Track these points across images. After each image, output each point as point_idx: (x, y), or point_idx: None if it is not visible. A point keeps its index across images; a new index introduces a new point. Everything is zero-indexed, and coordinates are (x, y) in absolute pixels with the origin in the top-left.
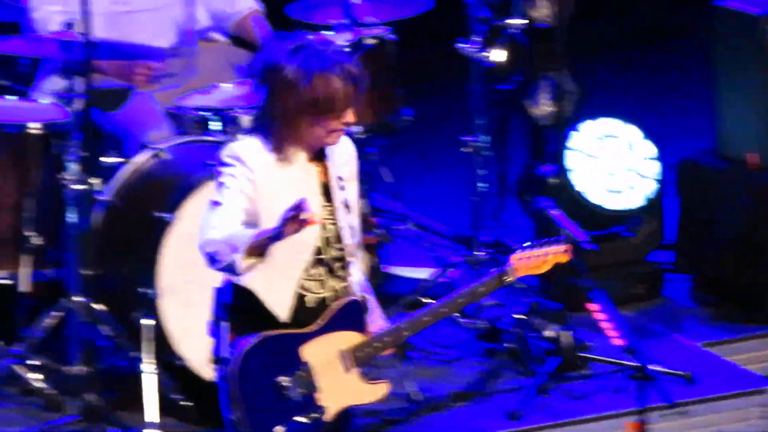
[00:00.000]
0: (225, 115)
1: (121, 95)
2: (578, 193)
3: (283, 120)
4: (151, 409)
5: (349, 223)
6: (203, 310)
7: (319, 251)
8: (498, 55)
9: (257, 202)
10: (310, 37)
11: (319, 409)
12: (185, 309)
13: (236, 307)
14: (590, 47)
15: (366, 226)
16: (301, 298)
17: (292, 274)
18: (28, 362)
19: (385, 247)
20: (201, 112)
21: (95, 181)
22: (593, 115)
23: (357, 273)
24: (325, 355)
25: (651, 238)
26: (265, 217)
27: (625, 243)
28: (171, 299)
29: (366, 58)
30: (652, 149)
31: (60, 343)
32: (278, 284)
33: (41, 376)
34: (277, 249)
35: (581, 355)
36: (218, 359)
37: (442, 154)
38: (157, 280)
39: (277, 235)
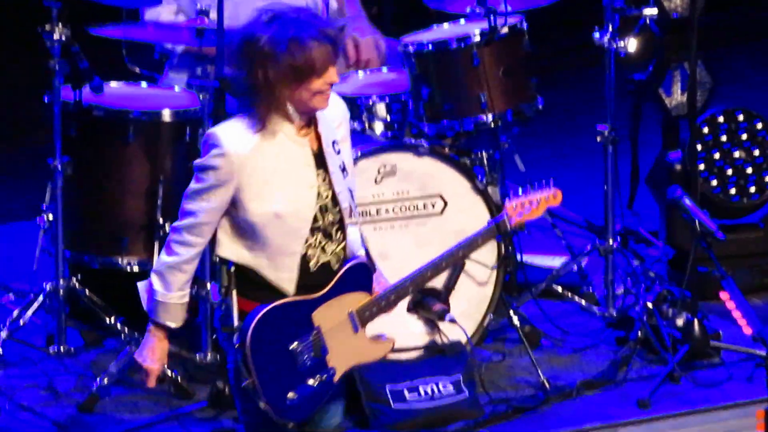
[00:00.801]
0: (360, 103)
1: None
2: (709, 182)
3: (266, 90)
4: None
5: (347, 185)
6: None
7: (315, 219)
8: (631, 44)
9: (239, 191)
10: (283, 7)
11: (330, 371)
12: None
13: (243, 278)
14: (723, 37)
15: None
16: (304, 267)
17: (293, 249)
18: None
19: (518, 236)
20: None
21: None
22: (725, 105)
23: (355, 232)
24: (335, 318)
25: None
26: (258, 197)
27: (755, 233)
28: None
29: (499, 47)
30: None
31: (190, 330)
32: (281, 261)
33: (170, 363)
34: (275, 229)
35: (712, 343)
36: (228, 328)
37: (575, 143)
38: None
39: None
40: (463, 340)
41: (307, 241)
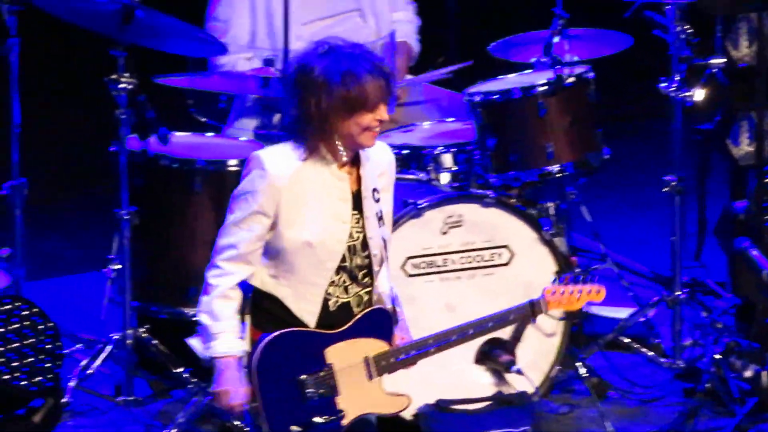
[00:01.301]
0: (426, 153)
1: None
2: None
3: (316, 119)
4: None
5: (381, 234)
6: None
7: (343, 258)
8: (698, 94)
9: (278, 217)
10: (339, 41)
11: (338, 413)
12: None
13: (259, 306)
14: None
15: (566, 265)
16: (325, 303)
17: (318, 282)
18: None
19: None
20: (403, 151)
21: None
22: None
23: (384, 282)
24: (349, 360)
25: None
26: (292, 223)
27: None
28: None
29: (566, 97)
30: None
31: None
32: (305, 292)
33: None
34: (303, 257)
35: None
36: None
37: (642, 193)
38: None
39: (215, 387)
40: (531, 391)
41: (331, 278)
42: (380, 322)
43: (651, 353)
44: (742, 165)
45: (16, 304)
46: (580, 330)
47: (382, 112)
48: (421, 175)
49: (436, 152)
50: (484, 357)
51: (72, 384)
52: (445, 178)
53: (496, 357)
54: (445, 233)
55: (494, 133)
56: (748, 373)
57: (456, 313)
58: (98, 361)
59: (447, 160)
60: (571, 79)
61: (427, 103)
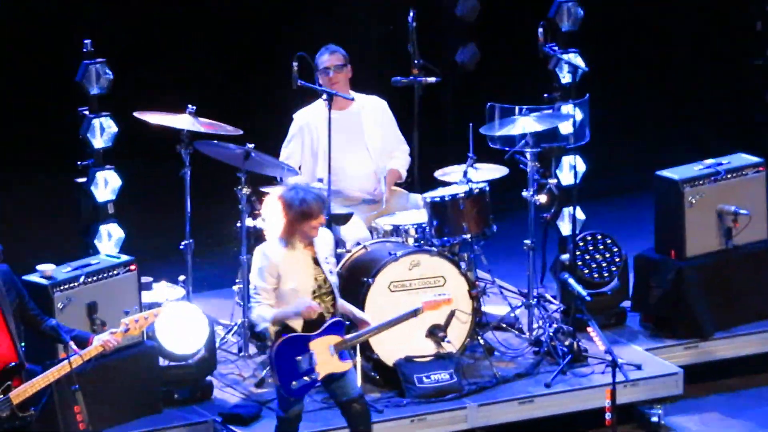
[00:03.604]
0: (402, 227)
1: (344, 217)
2: (582, 270)
3: (291, 227)
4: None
5: (333, 280)
6: (390, 331)
7: (314, 292)
8: (542, 198)
9: (279, 278)
10: (301, 185)
11: (316, 374)
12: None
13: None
14: None
15: (472, 286)
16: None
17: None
18: None
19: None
20: (390, 226)
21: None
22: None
23: (342, 303)
24: (322, 346)
25: None
26: (283, 284)
27: (605, 297)
28: (373, 319)
29: (473, 199)
30: None
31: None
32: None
33: None
34: (292, 296)
35: (583, 354)
36: (264, 347)
37: (514, 248)
38: (365, 309)
39: (296, 313)
40: (454, 351)
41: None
42: (337, 326)
43: (517, 332)
44: (565, 236)
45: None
46: (480, 320)
47: (321, 220)
48: (399, 239)
49: (406, 227)
50: (430, 333)
51: None
52: (410, 240)
53: (437, 333)
54: (410, 269)
55: (436, 217)
56: (566, 343)
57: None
58: None
59: (411, 231)
60: (477, 190)
61: (402, 203)
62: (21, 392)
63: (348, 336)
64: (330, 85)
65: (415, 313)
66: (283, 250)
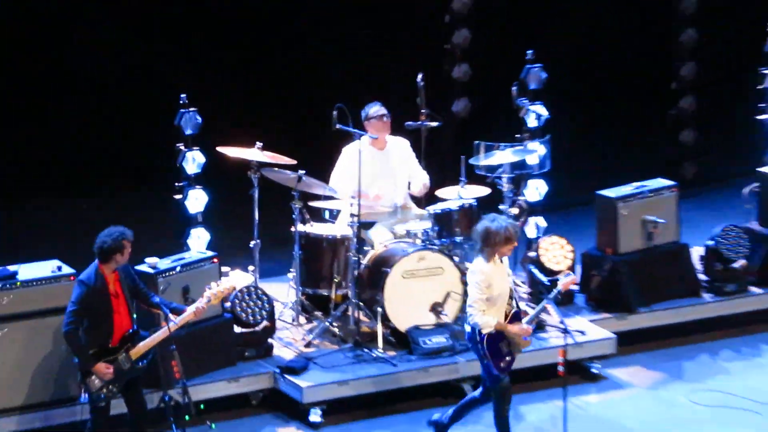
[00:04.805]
0: (410, 233)
1: (369, 224)
2: (544, 264)
3: (495, 249)
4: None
5: (510, 286)
6: (403, 306)
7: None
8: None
9: (490, 287)
10: (499, 216)
11: (512, 354)
12: (395, 306)
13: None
14: None
15: (463, 274)
16: None
17: None
18: None
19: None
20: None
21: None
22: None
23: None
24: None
25: None
26: (492, 291)
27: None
28: (390, 303)
29: (464, 212)
30: None
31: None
32: None
33: None
34: (498, 301)
35: (546, 324)
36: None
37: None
38: (384, 295)
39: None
40: (450, 322)
41: None
42: (516, 316)
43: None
44: (531, 238)
45: None
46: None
47: (516, 243)
48: (410, 240)
49: (415, 232)
50: (432, 309)
51: None
52: (418, 241)
53: (437, 308)
54: (418, 262)
55: (437, 224)
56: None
57: (424, 291)
58: None
59: (419, 234)
60: (467, 205)
61: (410, 216)
62: (136, 350)
63: (524, 320)
64: (382, 127)
65: (558, 294)
66: (488, 266)
